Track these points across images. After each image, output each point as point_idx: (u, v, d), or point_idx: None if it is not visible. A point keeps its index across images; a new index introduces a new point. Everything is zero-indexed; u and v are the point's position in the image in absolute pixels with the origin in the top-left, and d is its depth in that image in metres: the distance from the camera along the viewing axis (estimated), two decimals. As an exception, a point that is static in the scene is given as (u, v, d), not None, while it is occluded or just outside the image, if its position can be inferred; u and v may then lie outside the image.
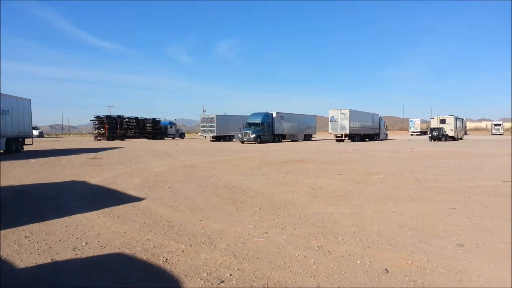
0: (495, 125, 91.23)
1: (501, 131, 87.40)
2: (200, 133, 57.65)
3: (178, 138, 73.49)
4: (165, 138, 71.08)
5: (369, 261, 4.78)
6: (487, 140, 52.81)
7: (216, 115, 54.45)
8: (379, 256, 4.97)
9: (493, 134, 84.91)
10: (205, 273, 4.48)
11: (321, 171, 14.72)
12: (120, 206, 8.29)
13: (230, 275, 4.40)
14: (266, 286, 4.09)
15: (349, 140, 49.35)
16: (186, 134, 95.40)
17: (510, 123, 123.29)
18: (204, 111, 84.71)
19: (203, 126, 55.17)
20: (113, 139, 60.41)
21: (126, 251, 5.30)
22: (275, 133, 49.40)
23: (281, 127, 50.56)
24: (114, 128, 62.72)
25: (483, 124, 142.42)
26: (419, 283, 4.10)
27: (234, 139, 55.19)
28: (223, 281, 4.24)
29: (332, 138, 52.13)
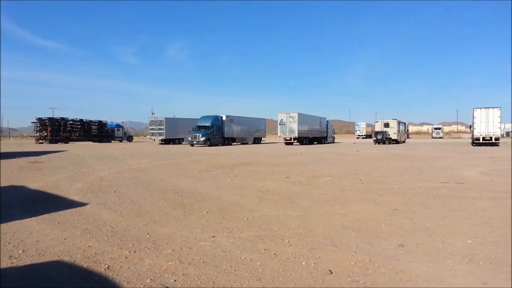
0: (436, 128, 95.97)
1: (441, 134, 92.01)
2: (148, 136, 56.53)
3: (126, 141, 71.64)
4: (112, 141, 69.08)
5: (314, 263, 4.85)
6: (428, 143, 55.38)
7: (165, 118, 53.64)
8: (323, 258, 5.05)
9: (434, 138, 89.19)
10: (148, 279, 4.37)
11: (270, 174, 14.83)
12: (61, 212, 7.94)
13: (175, 280, 4.32)
14: (211, 291, 4.05)
15: (298, 143, 50.09)
16: (134, 137, 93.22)
17: (449, 127, 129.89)
18: (153, 113, 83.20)
19: (152, 129, 54.16)
20: (56, 142, 58.04)
21: (66, 259, 5.07)
22: (225, 136, 49.36)
23: (230, 130, 50.58)
24: (57, 130, 60.30)
25: (424, 128, 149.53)
26: (361, 283, 4.20)
27: (183, 142, 54.58)
28: (167, 287, 4.16)
29: (281, 141, 52.69)
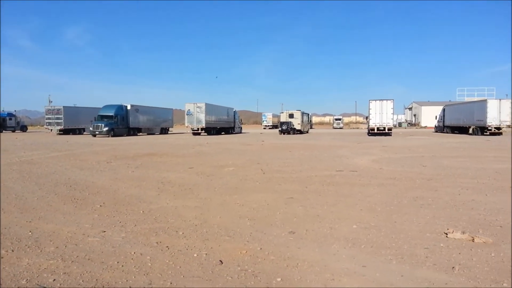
0: (336, 119, 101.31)
1: (341, 125, 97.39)
2: (45, 126, 52.77)
3: (19, 131, 66.11)
4: (3, 131, 63.34)
5: (206, 254, 4.82)
6: (329, 133, 58.26)
7: (63, 107, 50.47)
8: (216, 248, 5.05)
9: (335, 128, 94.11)
10: (24, 280, 4.03)
11: (173, 165, 14.58)
12: None
13: (54, 280, 4.03)
14: (93, 289, 3.83)
15: (206, 134, 49.95)
16: (30, 127, 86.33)
17: (349, 118, 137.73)
18: (50, 101, 77.78)
19: (49, 118, 50.72)
20: None
21: None
22: (130, 126, 47.66)
23: (136, 120, 48.94)
24: None
25: (326, 119, 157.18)
26: (249, 272, 4.25)
27: (85, 133, 51.72)
28: (44, 287, 3.87)
29: (189, 132, 52.18)
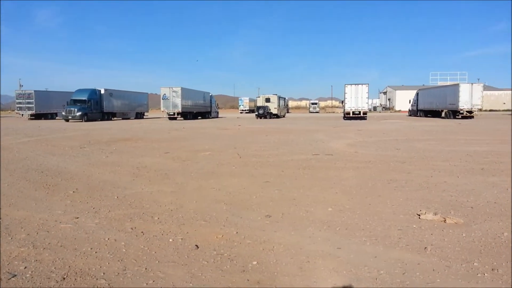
0: (312, 104, 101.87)
1: (317, 109, 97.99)
2: (16, 111, 51.36)
3: (-11, 116, 64.21)
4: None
5: (181, 239, 4.79)
6: (305, 117, 58.57)
7: (34, 91, 49.12)
8: (192, 233, 5.02)
9: (311, 112, 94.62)
10: (-6, 269, 3.93)
11: (149, 150, 14.41)
12: None
13: (25, 268, 3.94)
14: (66, 276, 3.76)
15: (182, 118, 49.48)
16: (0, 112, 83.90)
17: (325, 102, 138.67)
18: (21, 86, 75.55)
19: (19, 103, 49.42)
20: None
21: None
22: (104, 111, 46.87)
23: (110, 104, 48.10)
24: None
25: (303, 103, 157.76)
26: (225, 256, 4.25)
27: (57, 117, 50.57)
28: (15, 275, 3.78)
29: (164, 116, 51.58)
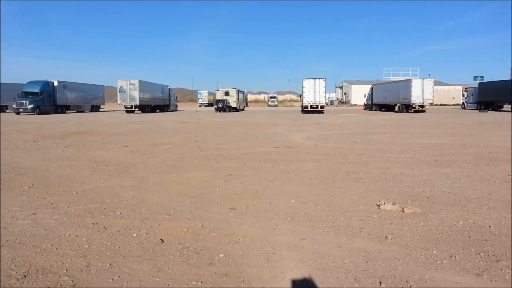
0: (271, 97, 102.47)
1: (276, 103, 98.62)
2: (-41, 103, 48.70)
3: None
4: None
5: (146, 233, 4.73)
6: (264, 111, 58.86)
7: (-20, 82, 46.69)
8: (156, 227, 4.97)
9: (270, 106, 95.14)
10: None
11: (107, 143, 14.08)
12: None
13: (-18, 267, 3.78)
14: (27, 273, 3.64)
15: (140, 112, 48.54)
16: None
17: (283, 96, 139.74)
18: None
19: (-34, 95, 46.76)
20: None
21: None
22: (58, 104, 45.31)
23: (64, 97, 46.52)
24: None
25: (261, 97, 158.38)
26: (191, 249, 4.24)
27: (7, 110, 48.28)
28: (-29, 275, 3.62)
29: (121, 109, 50.41)
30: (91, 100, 54.11)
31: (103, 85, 60.25)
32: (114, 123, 26.28)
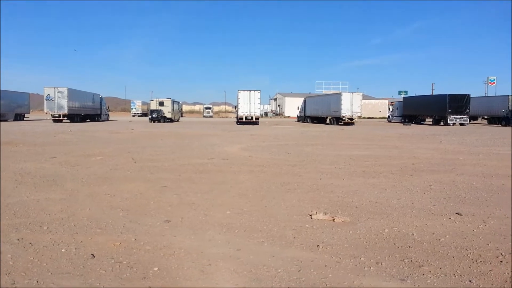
0: (206, 108, 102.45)
1: (211, 113, 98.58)
2: None
3: None
4: None
5: (75, 248, 4.56)
6: (200, 122, 58.58)
7: None
8: (87, 242, 4.80)
9: (205, 117, 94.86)
10: None
11: (32, 155, 13.35)
12: None
13: None
14: None
15: (68, 121, 46.46)
16: None
17: (219, 107, 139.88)
18: None
19: None
20: None
21: None
22: (-23, 111, 42.17)
23: (-17, 104, 43.43)
24: None
25: (196, 107, 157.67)
26: (124, 264, 4.15)
27: None
28: None
29: (48, 118, 47.97)
30: (14, 108, 51.11)
31: (29, 93, 57.24)
32: (40, 133, 24.98)
